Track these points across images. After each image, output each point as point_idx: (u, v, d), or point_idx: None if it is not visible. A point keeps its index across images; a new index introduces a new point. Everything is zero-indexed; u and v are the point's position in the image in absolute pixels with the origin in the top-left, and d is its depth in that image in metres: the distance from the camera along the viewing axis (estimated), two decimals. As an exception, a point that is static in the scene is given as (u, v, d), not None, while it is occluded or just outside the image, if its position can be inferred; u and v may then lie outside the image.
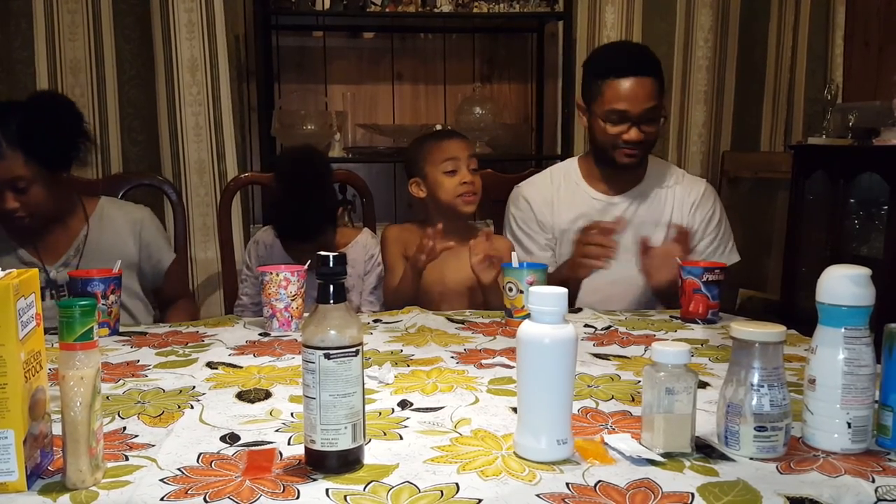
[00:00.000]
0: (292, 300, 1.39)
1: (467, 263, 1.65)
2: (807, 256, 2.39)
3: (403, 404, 0.97)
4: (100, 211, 1.74)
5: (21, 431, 0.70)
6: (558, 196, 1.82)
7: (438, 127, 2.76)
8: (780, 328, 0.81)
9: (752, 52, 2.80)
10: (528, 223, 1.82)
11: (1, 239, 1.62)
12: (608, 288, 1.69)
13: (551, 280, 1.58)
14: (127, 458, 0.79)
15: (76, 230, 1.70)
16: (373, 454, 0.80)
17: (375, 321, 1.47)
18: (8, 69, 2.36)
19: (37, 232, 1.63)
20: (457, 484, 0.73)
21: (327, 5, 2.64)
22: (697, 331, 1.38)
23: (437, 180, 1.71)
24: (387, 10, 2.62)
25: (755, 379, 0.80)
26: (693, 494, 0.71)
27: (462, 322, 1.46)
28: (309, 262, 1.52)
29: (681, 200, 1.79)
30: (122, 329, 1.40)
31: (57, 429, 0.75)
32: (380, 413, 0.93)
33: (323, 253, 0.77)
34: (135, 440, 0.84)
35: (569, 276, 1.63)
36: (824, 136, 2.36)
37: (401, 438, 0.85)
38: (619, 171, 1.76)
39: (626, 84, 1.66)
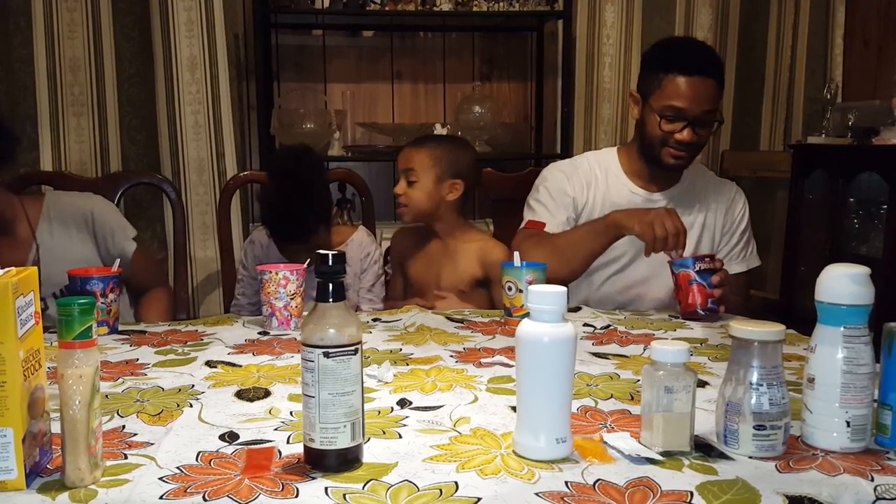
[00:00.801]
0: (291, 299, 1.39)
1: (462, 266, 1.65)
2: (806, 255, 2.39)
3: (402, 403, 0.97)
4: (46, 213, 1.65)
5: (20, 430, 0.70)
6: (597, 182, 1.75)
7: (438, 126, 2.76)
8: (780, 327, 0.81)
9: (751, 51, 2.80)
10: (560, 195, 1.73)
11: None
12: (639, 287, 1.69)
13: (576, 230, 1.59)
14: (126, 457, 0.79)
15: (25, 240, 1.60)
16: (372, 453, 0.80)
17: (374, 320, 1.47)
18: (7, 67, 2.36)
19: None
20: (456, 482, 0.73)
21: (327, 4, 2.64)
22: (696, 329, 1.38)
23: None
24: (386, 8, 2.62)
25: (754, 378, 0.80)
26: (692, 493, 0.71)
27: (461, 321, 1.46)
28: (308, 260, 1.52)
29: (715, 203, 1.75)
30: (121, 327, 1.40)
31: (56, 427, 0.75)
32: (379, 412, 0.93)
33: (322, 252, 0.77)
34: (134, 439, 0.84)
35: (611, 233, 1.52)
36: (824, 136, 2.36)
37: (400, 437, 0.85)
38: (662, 168, 1.71)
39: (689, 82, 1.59)
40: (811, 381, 0.82)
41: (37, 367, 0.74)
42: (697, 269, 1.41)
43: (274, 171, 1.81)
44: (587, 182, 1.75)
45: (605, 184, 1.75)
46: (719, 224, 1.75)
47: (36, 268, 0.76)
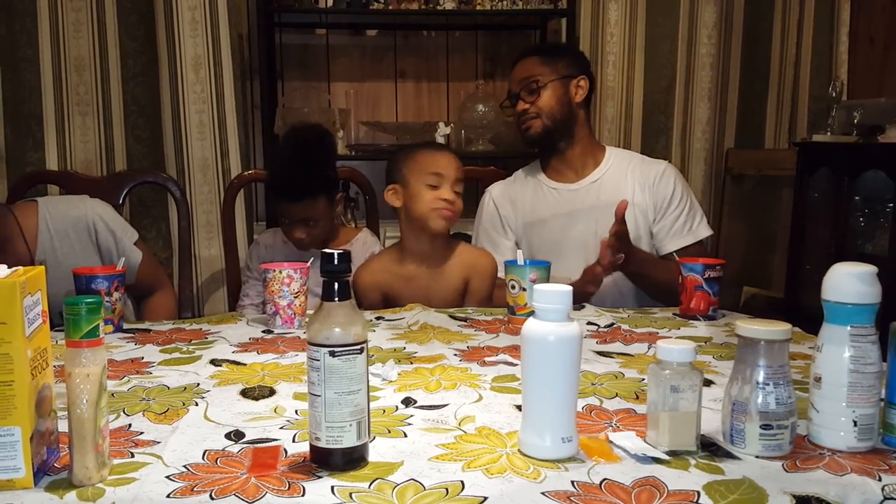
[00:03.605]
0: (295, 297, 1.39)
1: (450, 283, 1.63)
2: (811, 254, 2.39)
3: (407, 402, 0.97)
4: (44, 227, 1.58)
5: (28, 428, 0.70)
6: (522, 192, 1.88)
7: (441, 124, 2.76)
8: (786, 326, 0.81)
9: (756, 49, 2.79)
10: (493, 221, 1.89)
11: None
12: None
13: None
14: (133, 455, 0.79)
15: (23, 257, 1.53)
16: (377, 452, 0.80)
17: (378, 318, 1.47)
18: (13, 67, 2.36)
19: None
20: (462, 482, 0.73)
21: (330, 3, 2.64)
22: (701, 328, 1.38)
23: (417, 191, 1.59)
24: (390, 7, 2.62)
25: (760, 377, 0.79)
26: (699, 493, 0.70)
27: (464, 319, 1.46)
28: (312, 259, 1.52)
29: (641, 182, 1.81)
30: (125, 326, 1.41)
31: (63, 426, 0.75)
32: (384, 410, 0.93)
33: (327, 250, 0.77)
34: (140, 437, 0.84)
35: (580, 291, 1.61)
36: (829, 134, 2.35)
37: (405, 436, 0.85)
38: (564, 157, 1.84)
39: (514, 69, 1.85)
40: (818, 380, 0.82)
41: (44, 365, 0.75)
42: (706, 276, 1.42)
43: (287, 134, 1.88)
44: (510, 196, 1.89)
45: (528, 188, 1.89)
46: (649, 202, 1.79)
47: (43, 267, 0.76)
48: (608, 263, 1.56)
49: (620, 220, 1.54)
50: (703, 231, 1.82)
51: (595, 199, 1.80)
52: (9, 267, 0.72)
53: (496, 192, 1.91)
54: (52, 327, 0.79)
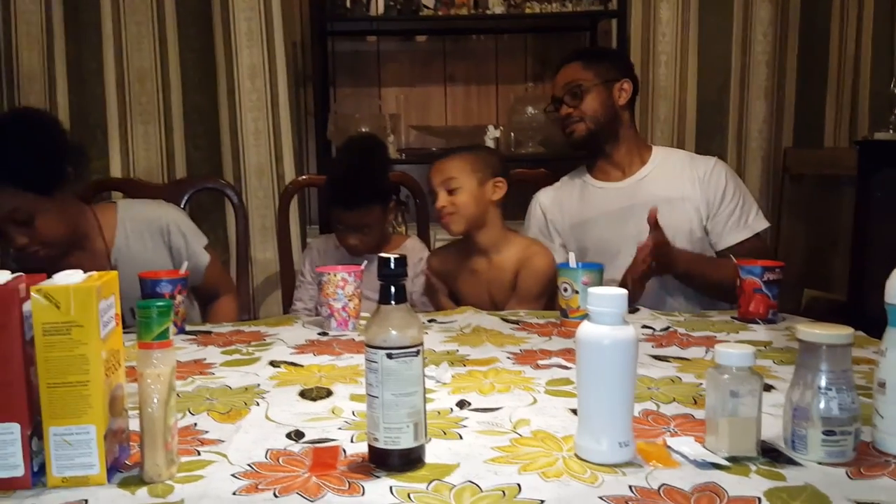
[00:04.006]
0: (349, 300, 1.42)
1: (504, 276, 1.69)
2: (875, 256, 2.31)
3: (462, 404, 0.98)
4: (122, 226, 1.66)
5: (102, 426, 0.74)
6: (568, 195, 1.89)
7: (490, 128, 2.76)
8: (848, 330, 0.79)
9: (813, 45, 2.72)
10: (541, 227, 1.89)
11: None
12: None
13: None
14: (199, 454, 0.82)
15: (100, 253, 1.62)
16: (434, 453, 0.81)
17: (430, 321, 1.48)
18: (79, 78, 2.46)
19: (57, 263, 1.44)
20: (518, 484, 0.73)
21: (381, 10, 2.68)
22: (760, 332, 1.35)
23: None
24: (439, 13, 2.64)
25: (823, 382, 0.78)
26: (760, 499, 0.70)
27: (517, 322, 1.46)
28: (365, 262, 1.55)
29: (691, 178, 1.79)
30: (187, 328, 1.45)
31: (134, 424, 0.78)
32: (439, 412, 0.95)
33: (384, 255, 0.79)
34: (206, 436, 0.87)
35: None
36: (891, 132, 2.28)
37: (461, 438, 0.86)
38: (610, 158, 1.83)
39: (558, 74, 1.87)
40: (882, 385, 0.80)
41: (117, 366, 0.78)
42: (765, 279, 1.39)
43: (344, 144, 1.95)
44: (556, 200, 1.89)
45: (575, 190, 1.89)
46: (701, 197, 1.77)
47: (117, 272, 0.80)
48: (640, 274, 1.55)
49: (654, 226, 1.53)
50: (760, 224, 1.78)
51: (644, 196, 1.77)
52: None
53: (543, 198, 1.92)
54: (124, 324, 0.82)
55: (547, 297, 1.66)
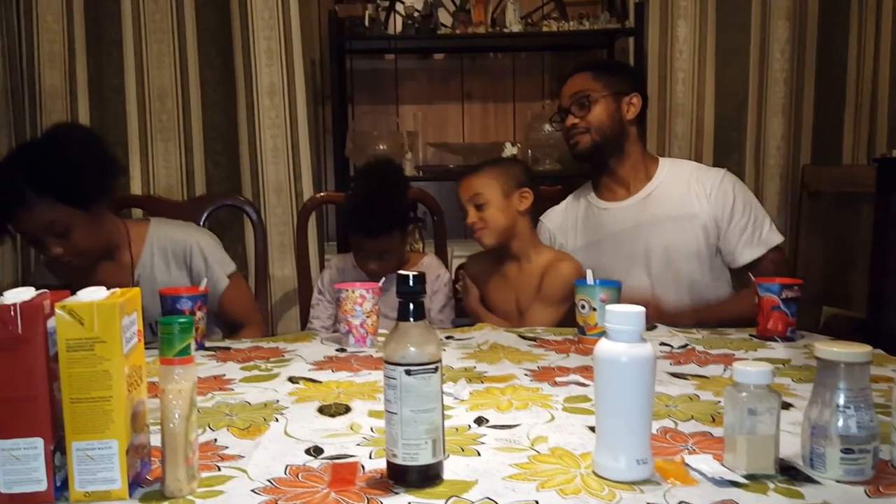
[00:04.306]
0: (367, 317, 1.43)
1: (531, 282, 1.71)
2: (894, 273, 2.29)
3: (480, 421, 0.98)
4: (150, 244, 1.71)
5: (124, 442, 0.75)
6: (573, 217, 1.88)
7: (507, 145, 2.78)
8: (867, 348, 0.79)
9: (831, 63, 2.71)
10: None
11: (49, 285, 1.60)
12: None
13: None
14: (219, 469, 0.83)
15: (126, 266, 1.66)
16: (452, 470, 0.81)
17: (448, 338, 1.49)
18: (100, 96, 2.50)
19: (85, 272, 1.57)
20: (536, 501, 0.73)
21: (399, 29, 2.71)
22: (779, 350, 1.35)
23: None
24: (457, 31, 2.66)
25: (841, 400, 0.78)
26: (778, 518, 0.69)
27: (534, 339, 1.46)
28: (384, 279, 1.56)
29: (698, 193, 1.75)
30: (207, 344, 1.47)
31: (155, 440, 0.79)
32: (457, 429, 0.95)
33: (403, 272, 0.79)
34: (225, 451, 0.88)
35: None
36: (911, 148, 2.26)
37: (478, 455, 0.86)
38: (615, 175, 1.82)
39: (565, 85, 1.83)
40: (903, 404, 0.79)
41: (139, 382, 0.79)
42: (784, 296, 1.39)
43: (362, 171, 1.97)
44: (561, 224, 1.89)
45: (580, 211, 1.88)
46: (709, 213, 1.73)
47: (139, 289, 0.81)
48: None
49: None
50: (775, 238, 1.73)
51: (648, 214, 1.76)
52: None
53: (549, 223, 1.91)
54: (145, 340, 0.83)
55: (569, 305, 1.66)
